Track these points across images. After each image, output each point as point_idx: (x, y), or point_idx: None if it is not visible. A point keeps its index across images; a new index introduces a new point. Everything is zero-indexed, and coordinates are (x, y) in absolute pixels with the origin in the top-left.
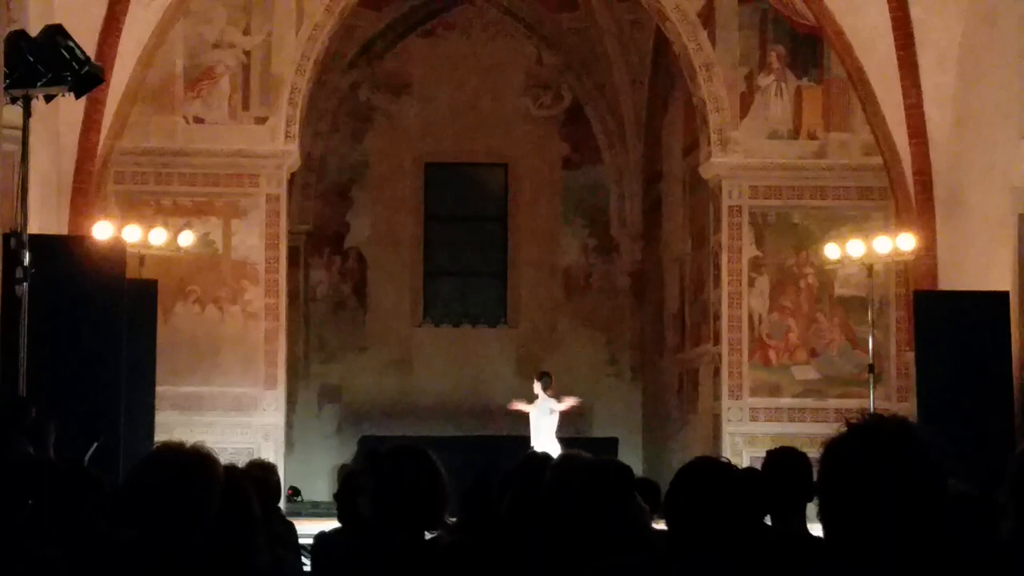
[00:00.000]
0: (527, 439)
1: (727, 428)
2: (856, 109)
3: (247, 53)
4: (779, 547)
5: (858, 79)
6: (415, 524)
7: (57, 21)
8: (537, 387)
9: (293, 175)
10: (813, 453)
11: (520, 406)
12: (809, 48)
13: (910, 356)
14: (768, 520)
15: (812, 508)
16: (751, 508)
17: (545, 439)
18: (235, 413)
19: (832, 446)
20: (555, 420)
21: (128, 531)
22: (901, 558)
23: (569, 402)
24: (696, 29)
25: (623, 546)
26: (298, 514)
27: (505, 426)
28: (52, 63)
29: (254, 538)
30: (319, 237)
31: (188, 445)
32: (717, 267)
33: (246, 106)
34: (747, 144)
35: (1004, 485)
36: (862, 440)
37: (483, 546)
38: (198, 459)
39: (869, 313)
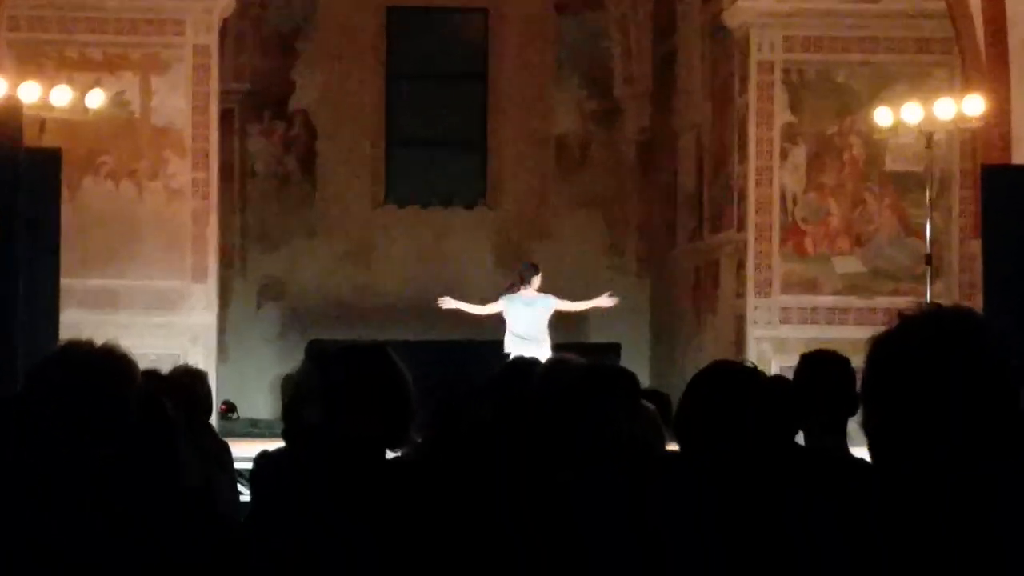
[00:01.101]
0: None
1: (753, 332)
2: None
3: None
4: (814, 470)
5: None
6: (375, 441)
7: None
8: (537, 278)
9: (226, 22)
10: (857, 361)
11: (455, 304)
12: None
13: (976, 245)
14: (801, 439)
15: (855, 425)
16: (780, 422)
17: (534, 345)
18: (157, 312)
19: (882, 341)
20: (546, 321)
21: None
22: (964, 479)
23: (604, 301)
24: None
25: (624, 467)
26: (233, 433)
27: (484, 329)
28: None
29: (177, 454)
30: (258, 98)
31: (99, 344)
32: (743, 136)
33: None
34: None
35: None
36: (919, 334)
37: (458, 468)
38: (111, 360)
39: (927, 192)
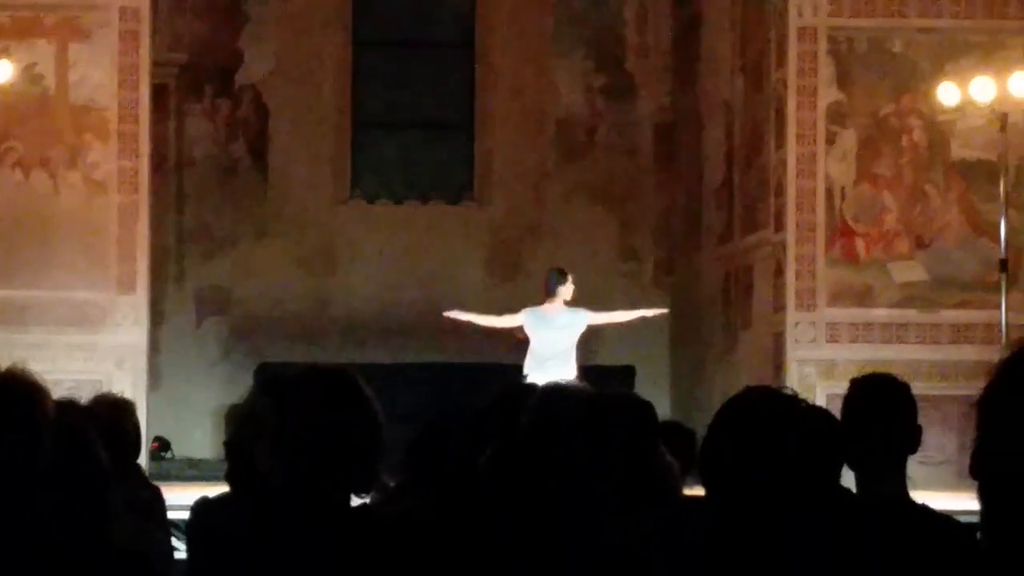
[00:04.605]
0: (512, 368)
1: (794, 352)
2: None
3: None
4: (869, 518)
5: None
6: (337, 484)
7: None
8: (566, 287)
9: None
10: (919, 386)
11: (464, 315)
12: None
13: None
14: (851, 483)
15: (916, 466)
16: (823, 460)
17: (557, 369)
18: (75, 329)
19: (1009, 369)
20: (574, 341)
21: None
22: None
23: (648, 312)
24: None
25: (637, 517)
26: (167, 476)
27: (473, 349)
28: None
29: (103, 502)
30: (198, 72)
31: (3, 368)
32: (781, 118)
33: None
34: None
35: None
36: None
37: (443, 518)
38: (18, 388)
39: (1002, 185)
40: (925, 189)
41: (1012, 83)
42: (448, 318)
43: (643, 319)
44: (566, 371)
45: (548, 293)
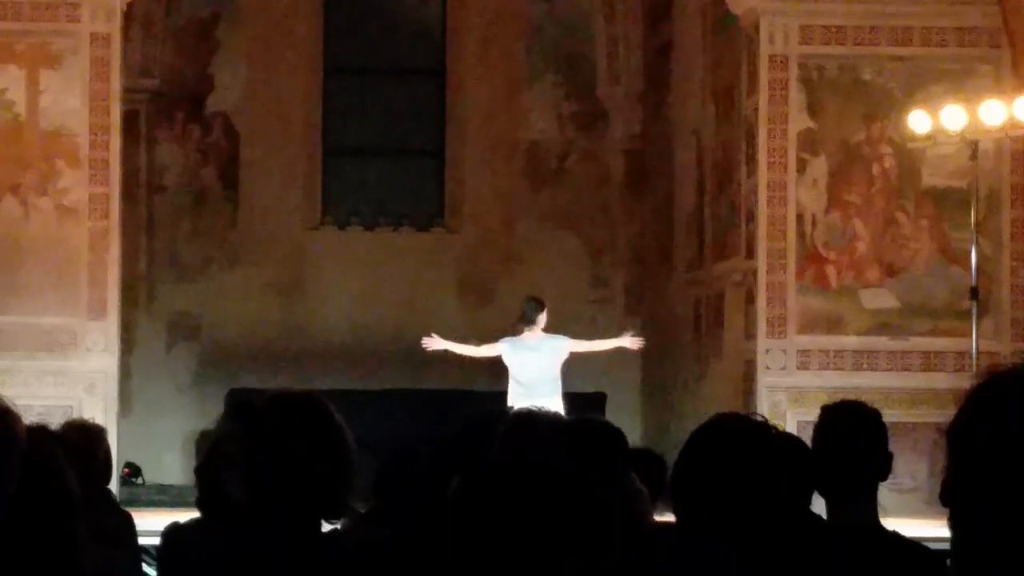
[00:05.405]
0: (491, 396)
1: (764, 379)
2: None
3: None
4: (838, 545)
5: None
6: (307, 510)
7: None
8: (543, 316)
9: (130, 6)
10: (890, 413)
11: (443, 344)
12: None
13: None
14: (822, 510)
15: (887, 493)
16: (795, 486)
17: (544, 398)
18: (45, 355)
19: (979, 396)
20: (557, 368)
21: None
22: None
23: (625, 342)
24: None
25: (606, 548)
26: (138, 502)
27: (445, 376)
28: None
29: (72, 529)
30: (169, 98)
31: None
32: (751, 145)
33: None
34: None
35: None
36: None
37: (412, 545)
38: None
39: (972, 212)
40: (896, 217)
41: (983, 111)
42: (428, 347)
43: (622, 349)
44: (552, 398)
45: (527, 321)
